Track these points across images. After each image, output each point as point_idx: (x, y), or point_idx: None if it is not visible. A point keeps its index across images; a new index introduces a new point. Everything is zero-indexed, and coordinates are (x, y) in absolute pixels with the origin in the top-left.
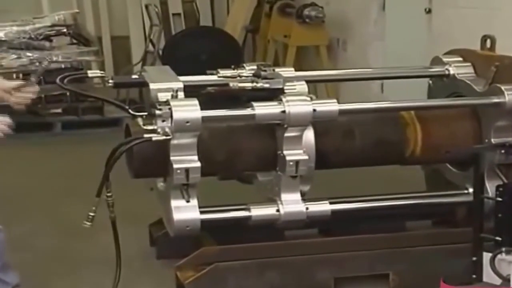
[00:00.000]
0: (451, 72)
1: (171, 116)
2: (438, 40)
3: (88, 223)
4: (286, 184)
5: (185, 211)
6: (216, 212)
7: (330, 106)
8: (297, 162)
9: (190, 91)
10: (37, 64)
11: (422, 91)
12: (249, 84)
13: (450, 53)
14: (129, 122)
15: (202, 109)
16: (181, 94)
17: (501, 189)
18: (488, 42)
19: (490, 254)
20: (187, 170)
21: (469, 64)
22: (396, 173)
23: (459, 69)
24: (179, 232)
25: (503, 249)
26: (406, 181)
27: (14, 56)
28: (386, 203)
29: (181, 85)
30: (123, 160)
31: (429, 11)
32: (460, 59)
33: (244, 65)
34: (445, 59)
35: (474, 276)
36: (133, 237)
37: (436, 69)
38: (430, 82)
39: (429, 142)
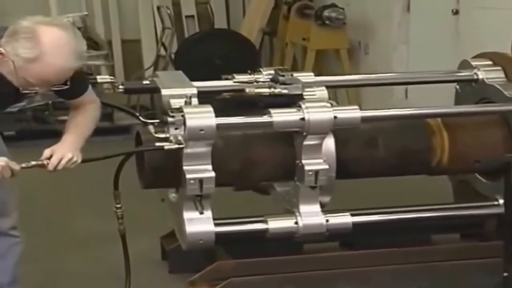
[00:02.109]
0: (480, 76)
1: (184, 124)
2: (466, 43)
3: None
4: (305, 195)
5: (199, 223)
6: (231, 224)
7: (352, 113)
8: (316, 172)
9: (204, 97)
10: None
11: (449, 97)
12: (267, 90)
13: (479, 56)
14: (140, 129)
15: (216, 116)
16: (194, 101)
17: None
18: None
19: None
20: (200, 180)
21: (499, 68)
22: (421, 183)
23: (489, 74)
24: (192, 245)
25: None
26: (432, 192)
27: None
28: (411, 215)
29: (194, 91)
30: (134, 170)
31: (456, 12)
32: (490, 62)
33: (261, 69)
34: (473, 63)
35: None
36: (144, 250)
37: (464, 74)
38: (458, 87)
39: (456, 151)
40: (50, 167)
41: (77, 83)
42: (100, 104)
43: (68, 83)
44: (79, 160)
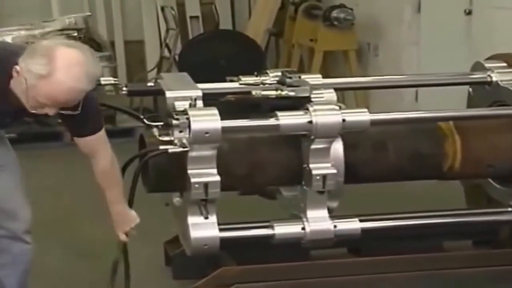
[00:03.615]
0: (494, 78)
1: (189, 127)
2: (479, 44)
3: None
4: (313, 200)
5: (203, 228)
6: (236, 229)
7: (360, 116)
8: (324, 177)
9: (210, 100)
10: None
11: (461, 99)
12: (273, 92)
13: (492, 58)
14: (143, 132)
15: (222, 119)
16: (199, 103)
17: None
18: None
19: None
20: (205, 185)
21: None
22: (432, 188)
23: (503, 76)
24: (197, 250)
25: None
26: (443, 198)
27: None
28: (422, 221)
29: (199, 93)
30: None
31: (469, 13)
32: (504, 64)
33: (268, 71)
34: (487, 65)
35: None
36: (148, 256)
37: (477, 76)
38: (470, 90)
39: (469, 155)
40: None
41: (92, 118)
42: (114, 156)
43: (79, 109)
44: (137, 219)
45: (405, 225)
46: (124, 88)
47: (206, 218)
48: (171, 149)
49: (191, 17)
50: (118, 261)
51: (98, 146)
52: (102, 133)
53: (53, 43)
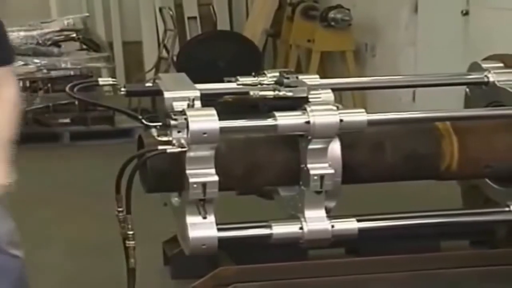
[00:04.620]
0: (491, 79)
1: (187, 127)
2: (476, 45)
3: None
4: (310, 200)
5: (202, 228)
6: (234, 229)
7: (358, 116)
8: (322, 177)
9: (208, 100)
10: (45, 71)
11: (458, 100)
12: (271, 93)
13: (489, 58)
14: (142, 133)
15: (220, 119)
16: (197, 103)
17: None
18: None
19: None
20: (204, 185)
21: (511, 70)
22: (430, 189)
23: (500, 76)
24: (195, 250)
25: None
26: (440, 198)
27: (21, 62)
28: (419, 221)
29: (197, 93)
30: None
31: (466, 13)
32: (501, 65)
33: (265, 72)
34: (484, 65)
35: None
36: (146, 256)
37: (474, 76)
38: (467, 90)
39: (466, 155)
40: None
41: None
42: (18, 90)
43: None
44: (8, 180)
45: (402, 225)
46: (123, 89)
47: (205, 218)
48: (170, 149)
49: (189, 18)
50: (134, 268)
51: (4, 80)
52: (10, 68)
53: None
